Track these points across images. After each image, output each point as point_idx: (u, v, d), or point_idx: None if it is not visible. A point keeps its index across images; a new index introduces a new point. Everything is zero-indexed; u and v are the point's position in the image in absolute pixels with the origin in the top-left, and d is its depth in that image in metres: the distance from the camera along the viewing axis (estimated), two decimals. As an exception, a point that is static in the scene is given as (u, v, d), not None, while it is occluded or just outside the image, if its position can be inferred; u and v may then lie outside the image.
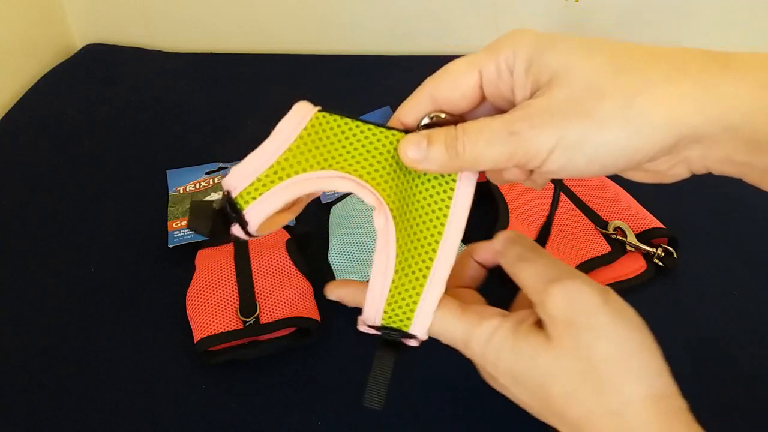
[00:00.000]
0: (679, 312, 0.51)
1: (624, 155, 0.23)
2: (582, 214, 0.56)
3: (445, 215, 0.28)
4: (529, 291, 0.28)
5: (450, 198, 0.28)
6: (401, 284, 0.28)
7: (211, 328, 0.47)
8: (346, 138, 0.28)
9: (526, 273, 0.28)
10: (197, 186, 0.64)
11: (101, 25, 0.93)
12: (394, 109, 0.75)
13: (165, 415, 0.45)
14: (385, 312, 0.29)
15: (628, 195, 0.58)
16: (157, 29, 0.93)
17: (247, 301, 0.49)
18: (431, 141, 0.26)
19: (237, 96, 0.81)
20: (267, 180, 0.27)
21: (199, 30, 0.93)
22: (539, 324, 0.27)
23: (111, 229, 0.60)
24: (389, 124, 0.29)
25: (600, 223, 0.55)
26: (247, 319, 0.47)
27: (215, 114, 0.77)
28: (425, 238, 0.28)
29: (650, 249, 0.53)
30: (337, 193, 0.62)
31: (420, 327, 0.28)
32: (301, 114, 0.29)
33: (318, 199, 0.63)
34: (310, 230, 0.57)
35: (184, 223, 0.59)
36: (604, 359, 0.25)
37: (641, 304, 0.53)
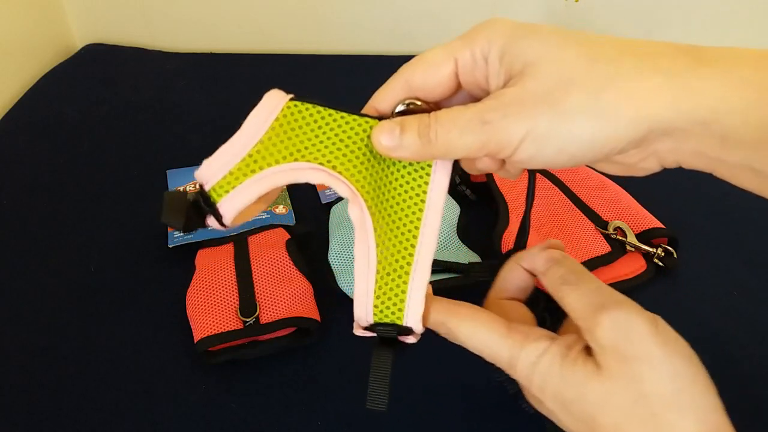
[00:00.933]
0: (679, 312, 0.51)
1: (591, 147, 0.23)
2: (582, 214, 0.56)
3: (422, 201, 0.28)
4: (577, 317, 0.27)
5: (426, 184, 0.28)
6: (387, 275, 0.28)
7: (211, 328, 0.47)
8: (319, 127, 0.28)
9: (572, 298, 0.28)
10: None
11: (101, 25, 0.93)
12: (394, 109, 0.75)
13: (165, 415, 0.45)
14: (376, 307, 0.28)
15: (628, 195, 0.58)
16: (157, 29, 0.93)
17: (247, 301, 0.49)
18: (404, 128, 0.26)
19: (237, 96, 0.81)
20: (239, 173, 0.27)
21: (199, 30, 0.93)
22: (588, 350, 0.27)
23: (111, 229, 0.60)
24: (364, 110, 0.29)
25: (600, 223, 0.55)
26: (247, 319, 0.47)
27: (215, 114, 0.77)
28: (404, 225, 0.28)
29: (650, 249, 0.53)
30: (338, 193, 0.62)
31: (413, 317, 0.28)
32: (272, 104, 0.28)
33: (318, 199, 0.63)
34: (310, 230, 0.57)
35: (184, 223, 0.59)
36: (655, 393, 0.25)
37: (641, 304, 0.53)
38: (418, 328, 0.28)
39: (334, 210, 0.59)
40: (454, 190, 0.61)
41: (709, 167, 0.24)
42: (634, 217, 0.55)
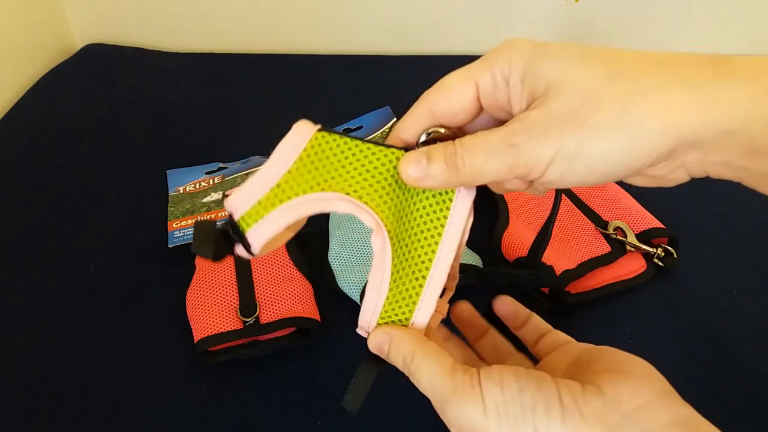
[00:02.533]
0: (679, 312, 0.51)
1: (623, 163, 0.23)
2: (582, 214, 0.56)
3: (439, 234, 0.28)
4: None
5: (446, 217, 0.28)
6: (395, 302, 0.29)
7: (211, 328, 0.47)
8: (345, 158, 0.28)
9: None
10: (197, 186, 0.64)
11: (101, 25, 0.93)
12: (394, 109, 0.76)
13: (165, 415, 0.45)
14: (379, 325, 0.29)
15: (628, 195, 0.58)
16: (157, 29, 0.93)
17: (247, 301, 0.49)
18: (431, 158, 0.26)
19: (237, 96, 0.81)
20: (268, 203, 0.28)
21: (199, 30, 0.93)
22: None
23: (111, 229, 0.60)
24: (389, 140, 0.29)
25: (600, 223, 0.55)
26: (247, 319, 0.47)
27: (215, 114, 0.77)
28: (419, 256, 0.28)
29: (650, 249, 0.53)
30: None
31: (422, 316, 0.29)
32: (300, 135, 0.29)
33: (318, 199, 0.63)
34: (310, 230, 0.57)
35: (184, 223, 0.59)
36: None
37: (641, 304, 0.53)
38: None
39: (334, 212, 0.59)
40: (454, 190, 0.61)
41: (737, 176, 0.24)
42: (634, 217, 0.55)
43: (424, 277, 0.28)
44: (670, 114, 0.22)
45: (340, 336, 0.49)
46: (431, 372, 0.27)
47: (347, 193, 0.28)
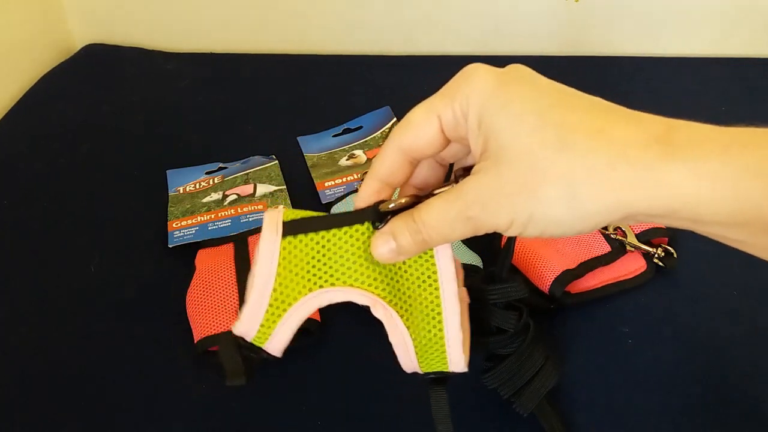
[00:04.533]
0: (679, 312, 0.51)
1: (571, 230, 0.25)
2: (582, 214, 0.56)
3: (435, 280, 0.30)
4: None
5: (435, 267, 0.30)
6: (425, 350, 0.31)
7: (211, 328, 0.47)
8: (318, 252, 0.30)
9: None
10: (197, 186, 0.64)
11: (101, 25, 0.93)
12: (394, 109, 0.76)
13: (165, 415, 0.45)
14: (422, 366, 0.32)
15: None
16: (157, 29, 0.93)
17: (247, 301, 0.49)
18: (396, 237, 0.28)
19: (237, 96, 0.81)
20: (270, 322, 0.30)
21: (199, 30, 0.93)
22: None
23: (111, 229, 0.60)
24: (365, 183, 0.30)
25: (600, 223, 0.55)
26: (247, 319, 0.47)
27: (215, 114, 0.77)
28: (429, 303, 0.30)
29: (650, 249, 0.53)
30: (337, 193, 0.62)
31: (457, 366, 0.32)
32: (270, 249, 0.30)
33: (318, 198, 0.63)
34: (310, 230, 0.57)
35: (184, 223, 0.59)
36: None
37: (641, 304, 0.53)
38: (464, 369, 0.32)
39: (335, 210, 0.59)
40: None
41: (688, 229, 0.25)
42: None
43: (439, 314, 0.30)
44: (616, 194, 0.23)
45: (340, 336, 0.49)
46: (438, 206, 0.27)
47: (332, 284, 0.30)
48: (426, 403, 0.39)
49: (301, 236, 0.30)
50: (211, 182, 0.65)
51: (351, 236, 0.30)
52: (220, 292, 0.49)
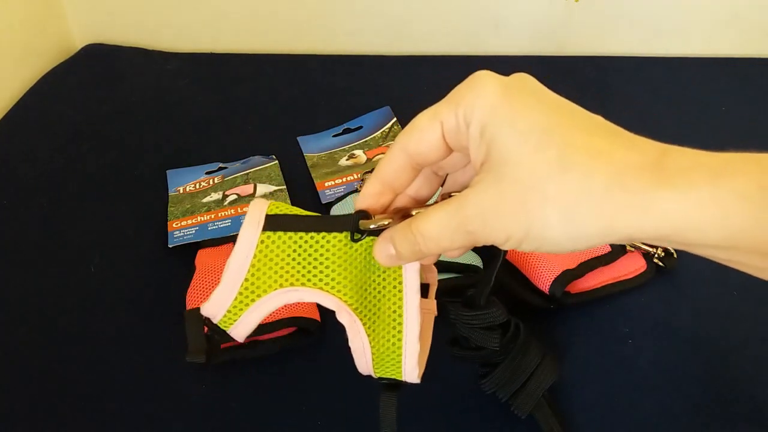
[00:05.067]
0: (679, 312, 0.51)
1: (565, 249, 0.26)
2: (582, 214, 0.56)
3: (401, 291, 0.32)
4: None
5: (401, 279, 0.32)
6: (382, 357, 0.32)
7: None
8: (295, 251, 0.32)
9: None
10: (197, 186, 0.64)
11: (101, 25, 0.93)
12: (394, 109, 0.76)
13: (165, 415, 0.45)
14: (376, 371, 0.33)
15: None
16: (157, 29, 0.93)
17: (247, 301, 0.49)
18: (396, 245, 0.29)
19: (237, 96, 0.81)
20: (236, 309, 0.32)
21: (199, 30, 0.93)
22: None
23: (111, 229, 0.60)
24: (368, 183, 0.31)
25: (600, 223, 0.55)
26: (247, 319, 0.47)
27: (215, 114, 0.77)
28: (392, 314, 0.32)
29: (650, 249, 0.53)
30: (337, 193, 0.62)
31: (410, 376, 0.33)
32: (249, 240, 0.32)
33: (318, 199, 0.63)
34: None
35: (184, 223, 0.59)
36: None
37: (641, 304, 0.53)
38: (416, 381, 0.33)
39: (334, 210, 0.59)
40: (454, 190, 0.61)
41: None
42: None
43: (400, 324, 0.32)
44: (609, 219, 0.24)
45: (340, 336, 0.49)
46: (438, 218, 0.28)
47: (303, 284, 0.32)
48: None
49: (280, 233, 0.32)
50: (211, 182, 0.65)
51: (328, 242, 0.32)
52: (220, 292, 0.49)
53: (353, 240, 0.31)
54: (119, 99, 0.80)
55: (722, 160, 0.24)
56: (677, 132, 0.73)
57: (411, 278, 0.32)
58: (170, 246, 0.56)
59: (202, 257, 0.54)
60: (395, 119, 0.73)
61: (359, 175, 0.64)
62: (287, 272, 0.31)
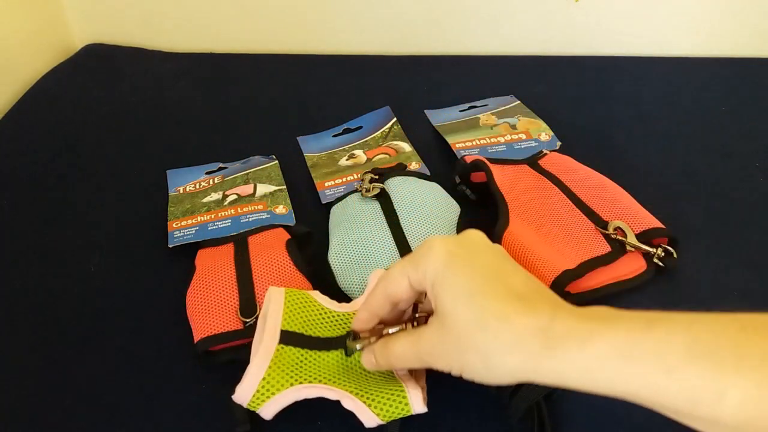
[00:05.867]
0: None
1: (493, 382, 0.33)
2: (582, 213, 0.56)
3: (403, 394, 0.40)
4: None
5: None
6: (389, 416, 0.40)
7: (211, 329, 0.47)
8: (304, 360, 0.42)
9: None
10: (197, 186, 0.64)
11: (101, 25, 0.93)
12: (394, 109, 0.76)
13: (165, 415, 0.45)
14: (383, 419, 0.40)
15: (628, 195, 0.58)
16: (157, 29, 0.93)
17: (247, 302, 0.49)
18: (377, 359, 0.39)
19: (237, 96, 0.81)
20: (255, 405, 0.40)
21: (199, 30, 0.93)
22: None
23: (111, 229, 0.60)
24: (361, 310, 0.40)
25: (600, 223, 0.55)
26: (248, 320, 0.47)
27: (215, 114, 0.77)
28: (395, 391, 0.40)
29: (650, 249, 0.53)
30: (337, 193, 0.62)
31: (418, 408, 0.40)
32: (269, 348, 0.41)
33: (318, 198, 0.63)
34: (310, 230, 0.57)
35: (184, 223, 0.59)
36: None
37: (641, 304, 0.53)
38: (424, 410, 0.40)
39: (334, 210, 0.59)
40: (454, 190, 0.61)
41: None
42: (634, 217, 0.55)
43: (405, 397, 0.40)
44: (515, 367, 0.32)
45: (340, 336, 0.49)
46: (403, 345, 0.38)
47: (310, 382, 0.40)
48: (427, 403, 0.40)
49: (292, 347, 0.42)
50: (211, 182, 0.65)
51: (328, 355, 0.42)
52: (220, 292, 0.49)
53: (347, 355, 0.42)
54: (119, 99, 0.80)
55: (599, 318, 0.31)
56: (677, 132, 0.73)
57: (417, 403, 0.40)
58: (170, 246, 0.56)
59: (202, 257, 0.54)
60: (395, 119, 0.73)
61: (359, 175, 0.64)
62: (298, 374, 0.40)
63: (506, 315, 0.32)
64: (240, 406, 0.40)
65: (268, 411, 0.40)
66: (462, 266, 0.35)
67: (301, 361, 0.41)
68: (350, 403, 0.39)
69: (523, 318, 0.32)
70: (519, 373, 0.32)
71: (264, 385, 0.40)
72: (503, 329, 0.32)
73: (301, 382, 0.40)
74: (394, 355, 0.38)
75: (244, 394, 0.40)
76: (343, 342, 0.43)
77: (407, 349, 0.37)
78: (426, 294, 0.37)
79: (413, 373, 0.42)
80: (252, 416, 0.41)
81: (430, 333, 0.36)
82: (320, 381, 0.40)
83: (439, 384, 0.43)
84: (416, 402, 0.39)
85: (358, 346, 0.40)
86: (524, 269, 0.37)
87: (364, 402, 0.39)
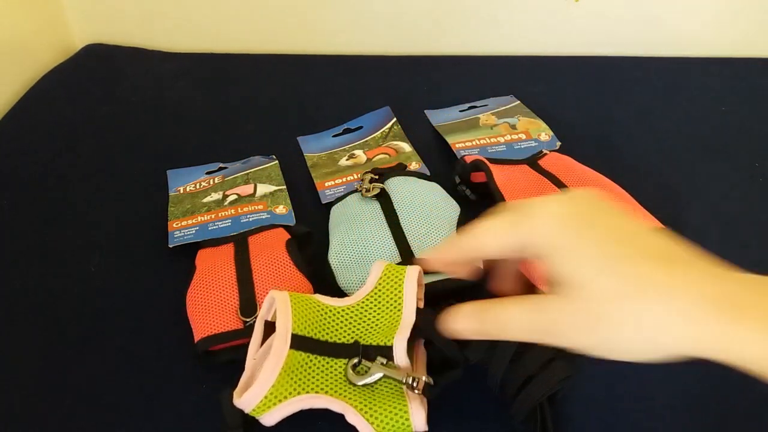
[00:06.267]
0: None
1: (637, 361, 0.29)
2: (582, 214, 0.56)
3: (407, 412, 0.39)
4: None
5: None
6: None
7: (211, 328, 0.47)
8: (310, 367, 0.41)
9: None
10: (197, 186, 0.64)
11: (101, 25, 0.93)
12: (394, 109, 0.76)
13: (165, 415, 0.45)
14: None
15: (628, 195, 0.58)
16: (157, 29, 0.93)
17: (247, 301, 0.49)
18: (461, 322, 0.34)
19: (237, 96, 0.81)
20: (260, 411, 0.40)
21: (199, 30, 0.93)
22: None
23: (111, 229, 0.60)
24: (460, 246, 0.35)
25: (600, 223, 0.55)
26: (248, 320, 0.47)
27: (215, 114, 0.77)
28: (399, 411, 0.40)
29: (650, 249, 0.53)
30: (337, 193, 0.62)
31: (420, 427, 0.40)
32: (280, 354, 0.40)
33: (318, 198, 0.63)
34: (310, 230, 0.57)
35: (184, 223, 0.59)
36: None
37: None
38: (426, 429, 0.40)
39: (334, 210, 0.59)
40: (454, 190, 0.61)
41: None
42: (633, 216, 0.55)
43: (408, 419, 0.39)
44: (667, 345, 0.28)
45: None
46: (517, 312, 0.32)
47: (316, 392, 0.40)
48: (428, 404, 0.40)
49: (301, 352, 0.41)
50: (211, 182, 0.65)
51: (335, 362, 0.42)
52: (220, 292, 0.49)
53: (350, 382, 0.41)
54: (119, 99, 0.80)
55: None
56: (677, 132, 0.73)
57: (419, 418, 0.40)
58: (170, 246, 0.56)
59: (203, 257, 0.54)
60: (395, 119, 0.73)
61: (359, 175, 0.64)
62: (304, 383, 0.40)
63: (665, 281, 0.28)
64: (234, 411, 0.40)
65: (271, 418, 0.40)
66: (583, 228, 0.30)
67: (309, 367, 0.41)
68: (353, 418, 0.39)
69: (686, 284, 0.28)
70: (683, 348, 0.27)
71: (272, 392, 0.39)
72: (662, 298, 0.27)
73: (307, 392, 0.40)
74: (501, 320, 0.32)
75: (251, 400, 0.39)
76: (350, 351, 0.42)
77: (526, 317, 0.31)
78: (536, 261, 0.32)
79: (415, 367, 0.42)
80: (246, 417, 0.40)
81: (555, 303, 0.30)
82: (326, 391, 0.40)
83: (439, 384, 0.43)
84: (418, 421, 0.39)
85: (359, 382, 0.40)
86: (650, 223, 0.31)
87: (367, 420, 0.39)
